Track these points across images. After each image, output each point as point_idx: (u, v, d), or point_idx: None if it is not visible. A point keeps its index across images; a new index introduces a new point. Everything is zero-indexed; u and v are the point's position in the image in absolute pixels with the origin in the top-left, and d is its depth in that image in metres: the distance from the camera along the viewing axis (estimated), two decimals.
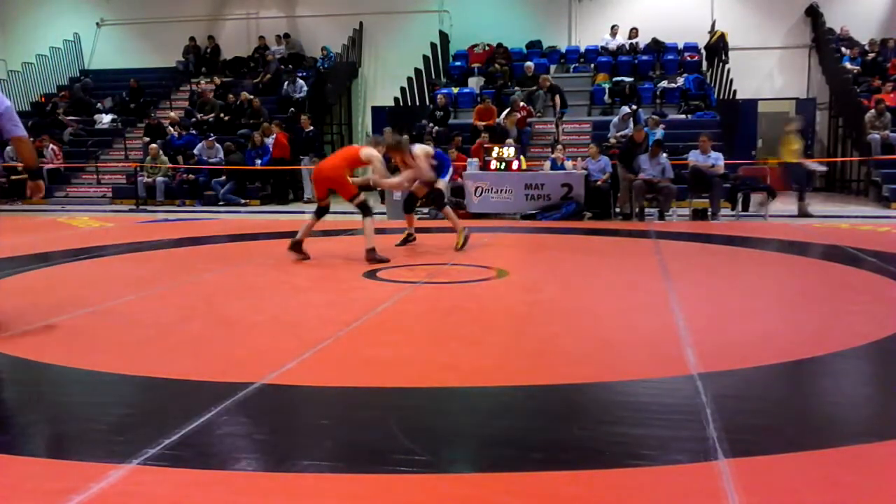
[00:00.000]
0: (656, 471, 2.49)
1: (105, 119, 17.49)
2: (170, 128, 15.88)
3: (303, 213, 13.31)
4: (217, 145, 14.63)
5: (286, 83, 16.71)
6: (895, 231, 9.07)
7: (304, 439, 2.88)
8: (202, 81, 18.06)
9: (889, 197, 12.43)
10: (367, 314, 4.79)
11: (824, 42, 16.20)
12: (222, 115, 16.26)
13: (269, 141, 14.55)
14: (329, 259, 7.76)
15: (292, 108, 16.13)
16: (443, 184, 8.08)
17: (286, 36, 18.49)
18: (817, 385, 3.64)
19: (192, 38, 18.88)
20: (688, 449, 2.65)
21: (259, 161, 14.43)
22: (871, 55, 15.85)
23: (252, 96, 16.29)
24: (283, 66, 17.87)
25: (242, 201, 14.08)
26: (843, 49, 15.89)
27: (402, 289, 5.69)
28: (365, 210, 7.10)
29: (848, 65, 15.54)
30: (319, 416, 3.15)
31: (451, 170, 8.44)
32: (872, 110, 13.60)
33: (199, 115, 16.46)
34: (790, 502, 2.31)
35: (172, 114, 16.66)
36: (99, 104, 17.98)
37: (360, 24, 18.20)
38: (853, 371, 3.83)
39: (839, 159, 15.93)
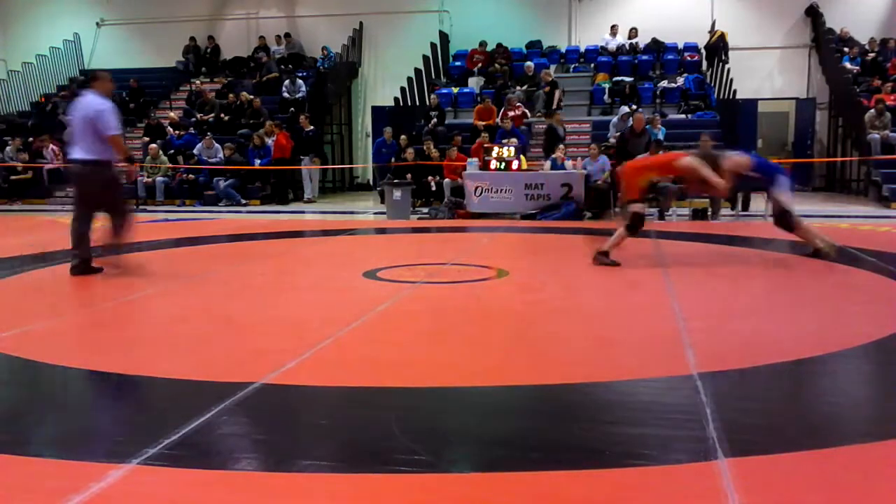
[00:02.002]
0: (656, 470, 2.49)
1: None
2: (169, 128, 15.88)
3: (303, 213, 13.33)
4: (216, 145, 14.64)
5: (291, 83, 16.68)
6: (895, 231, 9.07)
7: (304, 439, 2.88)
8: (201, 81, 18.05)
9: (889, 197, 12.43)
10: (367, 314, 4.79)
11: (824, 42, 16.20)
12: (222, 115, 16.27)
13: (270, 141, 14.56)
14: (329, 259, 7.76)
15: (292, 108, 16.13)
16: (784, 197, 6.78)
17: (286, 36, 18.50)
18: (817, 385, 3.64)
19: (191, 38, 18.88)
20: (688, 448, 2.66)
21: (259, 161, 14.44)
22: (870, 55, 15.86)
23: (252, 96, 16.29)
24: (283, 66, 17.87)
25: (243, 200, 14.08)
26: (843, 49, 15.89)
27: (402, 289, 5.68)
28: (633, 220, 6.60)
29: (848, 65, 15.54)
30: (319, 415, 3.15)
31: (785, 180, 6.84)
32: (872, 110, 13.60)
33: (198, 115, 16.47)
34: (790, 502, 2.30)
35: (172, 114, 16.66)
36: None
37: (360, 24, 18.21)
38: (853, 371, 3.83)
39: (839, 159, 15.93)
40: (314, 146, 15.28)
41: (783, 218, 6.83)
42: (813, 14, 16.67)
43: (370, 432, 2.86)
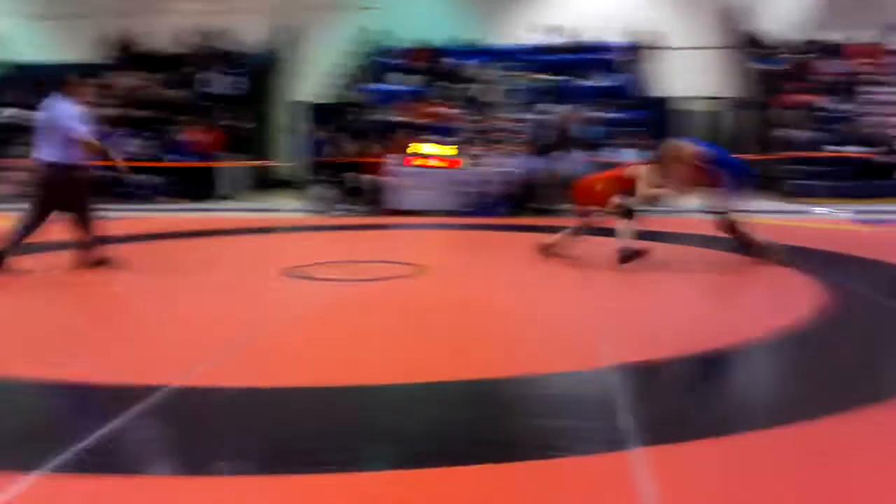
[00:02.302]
0: (574, 461, 2.50)
1: (5, 113, 16.64)
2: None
3: (225, 210, 12.95)
4: (136, 140, 14.16)
5: (211, 79, 16.28)
6: (805, 225, 9.39)
7: (220, 442, 2.79)
8: (121, 76, 17.41)
9: (800, 192, 12.96)
10: (287, 312, 4.71)
11: (750, 42, 16.77)
12: (142, 110, 15.75)
13: (191, 137, 14.19)
14: (252, 257, 7.56)
15: (216, 104, 15.76)
16: (730, 202, 6.44)
17: (212, 30, 18.01)
18: (729, 374, 3.76)
19: (113, 32, 18.18)
20: (605, 439, 2.68)
21: (181, 157, 14.04)
22: (795, 56, 16.44)
23: (175, 91, 15.83)
24: (207, 61, 17.41)
25: (162, 198, 13.62)
26: (767, 49, 16.47)
27: (325, 286, 5.62)
28: (622, 210, 6.49)
29: (770, 66, 16.09)
30: (236, 417, 3.05)
31: (740, 184, 6.47)
32: (792, 110, 14.12)
33: (117, 111, 15.87)
34: (704, 488, 2.34)
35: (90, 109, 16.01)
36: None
37: (290, 18, 17.89)
38: (763, 360, 3.93)
39: (760, 157, 16.43)
40: (239, 142, 14.95)
41: (727, 225, 6.51)
42: (739, 14, 17.21)
43: (287, 433, 2.80)
